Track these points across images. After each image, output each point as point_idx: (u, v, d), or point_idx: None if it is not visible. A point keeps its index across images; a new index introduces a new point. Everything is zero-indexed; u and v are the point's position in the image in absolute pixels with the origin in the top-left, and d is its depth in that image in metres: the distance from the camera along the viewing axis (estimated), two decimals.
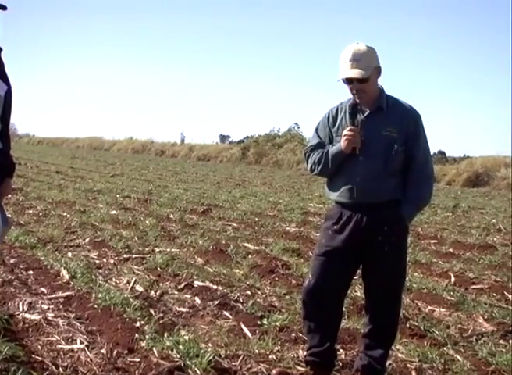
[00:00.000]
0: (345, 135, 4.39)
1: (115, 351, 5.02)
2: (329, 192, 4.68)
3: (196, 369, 4.67)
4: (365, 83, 4.38)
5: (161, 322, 5.81)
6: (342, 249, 4.49)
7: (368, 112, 4.48)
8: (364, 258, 4.53)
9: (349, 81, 4.39)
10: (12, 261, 8.15)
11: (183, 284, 7.24)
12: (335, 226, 4.55)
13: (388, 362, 4.82)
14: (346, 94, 4.57)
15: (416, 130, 4.47)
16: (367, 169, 4.40)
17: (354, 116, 4.45)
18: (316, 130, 4.73)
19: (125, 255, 8.82)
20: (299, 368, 4.85)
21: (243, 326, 5.83)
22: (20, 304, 6.25)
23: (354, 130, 4.38)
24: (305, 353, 4.78)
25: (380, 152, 4.39)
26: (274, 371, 4.78)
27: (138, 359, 4.90)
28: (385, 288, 4.54)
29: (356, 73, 4.33)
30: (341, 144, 4.43)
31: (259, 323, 5.96)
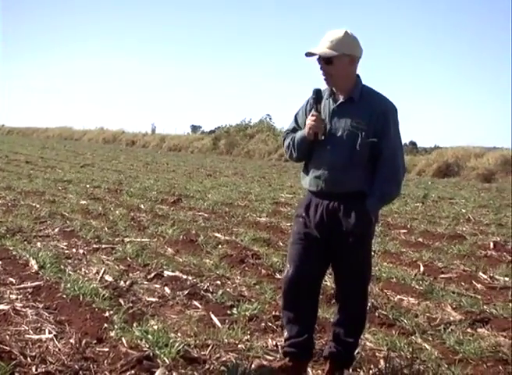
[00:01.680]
0: (308, 122, 4.43)
1: (83, 341, 5.00)
2: (302, 180, 4.73)
3: (165, 359, 4.66)
4: (330, 66, 4.37)
5: (130, 312, 5.81)
6: (313, 236, 4.52)
7: (340, 101, 4.49)
8: (332, 248, 4.55)
9: (318, 61, 4.41)
10: None
11: (152, 274, 7.24)
12: (303, 214, 4.59)
13: (356, 351, 4.84)
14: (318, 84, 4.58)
15: (385, 123, 4.43)
16: (333, 159, 4.42)
17: (317, 101, 4.47)
18: (295, 115, 4.76)
19: (94, 245, 8.80)
20: (268, 357, 4.88)
21: (212, 316, 5.84)
22: None
23: (316, 116, 4.41)
24: (283, 344, 4.79)
25: (347, 143, 4.40)
26: (253, 364, 4.78)
27: (107, 349, 4.89)
28: (350, 279, 4.56)
29: (319, 49, 4.37)
30: (305, 129, 4.48)
31: (229, 312, 5.97)
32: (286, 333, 4.72)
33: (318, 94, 4.49)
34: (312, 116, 4.42)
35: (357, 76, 4.53)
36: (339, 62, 4.38)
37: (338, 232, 4.43)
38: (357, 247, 4.46)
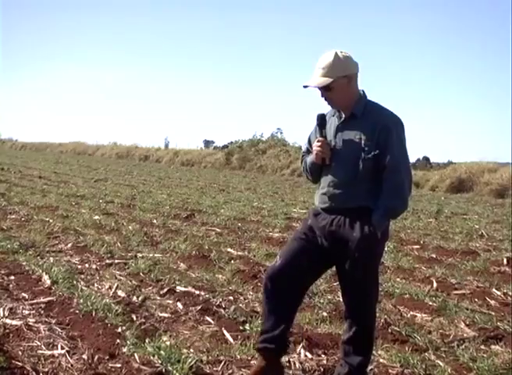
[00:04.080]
0: (314, 149, 4.52)
1: (96, 357, 5.00)
2: (314, 198, 4.78)
3: None
4: (329, 92, 4.43)
5: (142, 327, 5.81)
6: (312, 242, 4.56)
7: (343, 119, 4.52)
8: (337, 261, 4.54)
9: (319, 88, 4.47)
10: None
11: (165, 290, 7.23)
12: (310, 221, 4.65)
13: (370, 367, 4.82)
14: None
15: (388, 138, 4.40)
16: (338, 175, 4.46)
17: (322, 126, 4.53)
18: (309, 136, 4.82)
19: (107, 261, 8.80)
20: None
21: (225, 332, 5.83)
22: (1, 309, 6.21)
23: (322, 142, 4.47)
24: (257, 340, 4.77)
25: (350, 159, 4.42)
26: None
27: (119, 365, 4.89)
28: (355, 295, 4.54)
29: (314, 81, 4.43)
30: (313, 155, 4.56)
31: (241, 328, 5.96)
32: (261, 328, 4.72)
33: (321, 120, 4.55)
34: (318, 141, 4.49)
35: (363, 91, 4.55)
36: (338, 86, 4.41)
37: (343, 247, 4.41)
38: (362, 262, 4.42)
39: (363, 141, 4.39)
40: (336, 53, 4.41)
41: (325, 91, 4.43)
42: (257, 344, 4.72)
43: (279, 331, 4.57)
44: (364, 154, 4.38)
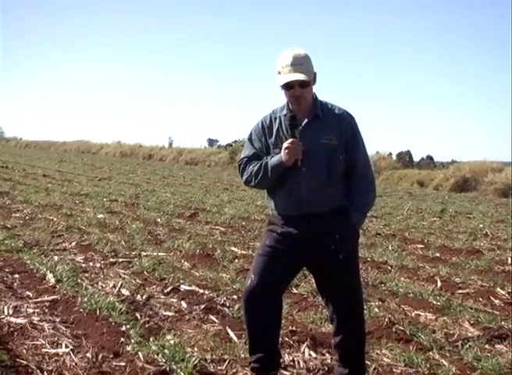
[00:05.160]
0: (286, 148, 4.27)
1: (100, 356, 4.99)
2: (273, 205, 4.61)
3: (181, 374, 4.65)
4: (306, 88, 4.32)
5: (147, 326, 5.81)
6: (285, 252, 4.43)
7: (305, 121, 4.39)
8: (316, 269, 4.51)
9: (289, 87, 4.30)
10: None
11: (169, 288, 7.23)
12: (280, 231, 4.50)
13: (373, 367, 4.82)
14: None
15: (354, 135, 4.42)
16: (311, 180, 4.33)
17: (294, 127, 4.31)
18: (249, 140, 4.61)
19: (111, 259, 8.81)
20: (284, 372, 4.85)
21: (229, 331, 5.82)
22: (5, 308, 6.22)
23: (295, 143, 4.25)
24: (250, 360, 4.67)
25: (322, 162, 4.33)
26: None
27: (123, 363, 4.89)
28: (346, 297, 4.48)
29: (300, 76, 4.24)
30: (282, 156, 4.30)
31: (245, 327, 5.95)
32: (251, 349, 4.64)
33: (293, 120, 4.33)
34: (291, 143, 4.25)
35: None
36: (311, 83, 4.36)
37: (326, 252, 4.36)
38: (348, 263, 4.42)
39: (333, 142, 4.33)
40: (304, 51, 4.35)
41: (304, 87, 4.30)
42: (251, 364, 4.63)
43: (271, 350, 4.57)
44: (337, 154, 4.34)
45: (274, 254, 4.48)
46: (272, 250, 4.49)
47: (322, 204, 4.37)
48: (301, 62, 4.28)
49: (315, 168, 4.33)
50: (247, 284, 4.54)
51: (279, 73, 4.33)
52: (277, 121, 4.48)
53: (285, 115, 4.43)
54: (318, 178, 4.33)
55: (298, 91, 4.30)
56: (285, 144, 4.28)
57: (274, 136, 4.46)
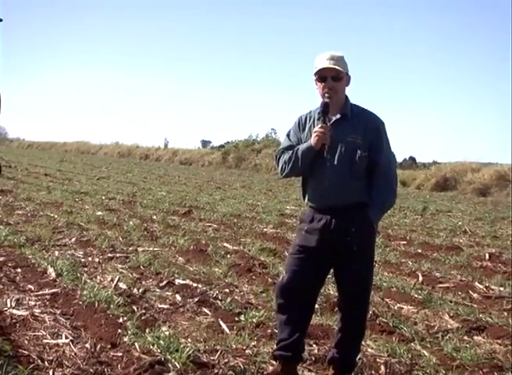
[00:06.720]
0: (315, 132, 4.38)
1: (98, 346, 4.98)
2: (303, 197, 4.72)
3: (176, 363, 4.64)
4: (338, 82, 4.41)
5: (143, 318, 5.80)
6: (314, 249, 4.48)
7: (333, 119, 4.48)
8: (335, 258, 4.53)
9: (323, 79, 4.41)
10: (0, 259, 8.11)
11: (164, 282, 7.22)
12: (307, 228, 4.55)
13: (358, 357, 4.82)
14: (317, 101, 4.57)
15: (379, 137, 4.49)
16: (334, 174, 4.41)
17: (325, 114, 4.41)
18: (288, 135, 4.72)
19: (109, 254, 8.79)
20: (274, 362, 4.83)
21: (221, 323, 5.82)
22: (8, 300, 6.21)
23: (324, 127, 4.36)
24: (274, 348, 4.72)
25: (345, 158, 4.40)
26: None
27: (120, 354, 4.88)
28: (355, 286, 4.53)
29: (334, 65, 4.35)
30: (311, 140, 4.41)
31: (236, 319, 5.95)
32: (277, 337, 4.67)
33: (325, 107, 4.42)
34: (321, 127, 4.36)
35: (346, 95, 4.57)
36: (344, 80, 4.45)
37: (342, 243, 4.40)
38: (361, 255, 4.44)
39: (358, 141, 4.40)
40: (341, 54, 4.46)
41: (335, 80, 4.40)
42: (274, 351, 4.67)
43: (293, 341, 4.54)
44: (360, 153, 4.39)
45: (303, 253, 4.54)
46: (301, 249, 4.56)
47: (342, 197, 4.43)
48: (337, 59, 4.40)
49: (339, 163, 4.42)
50: (279, 280, 4.68)
51: (315, 68, 4.44)
52: (311, 120, 4.59)
53: (318, 113, 4.51)
54: (340, 173, 4.40)
55: (330, 83, 4.40)
56: (315, 128, 4.41)
57: (306, 132, 4.57)
